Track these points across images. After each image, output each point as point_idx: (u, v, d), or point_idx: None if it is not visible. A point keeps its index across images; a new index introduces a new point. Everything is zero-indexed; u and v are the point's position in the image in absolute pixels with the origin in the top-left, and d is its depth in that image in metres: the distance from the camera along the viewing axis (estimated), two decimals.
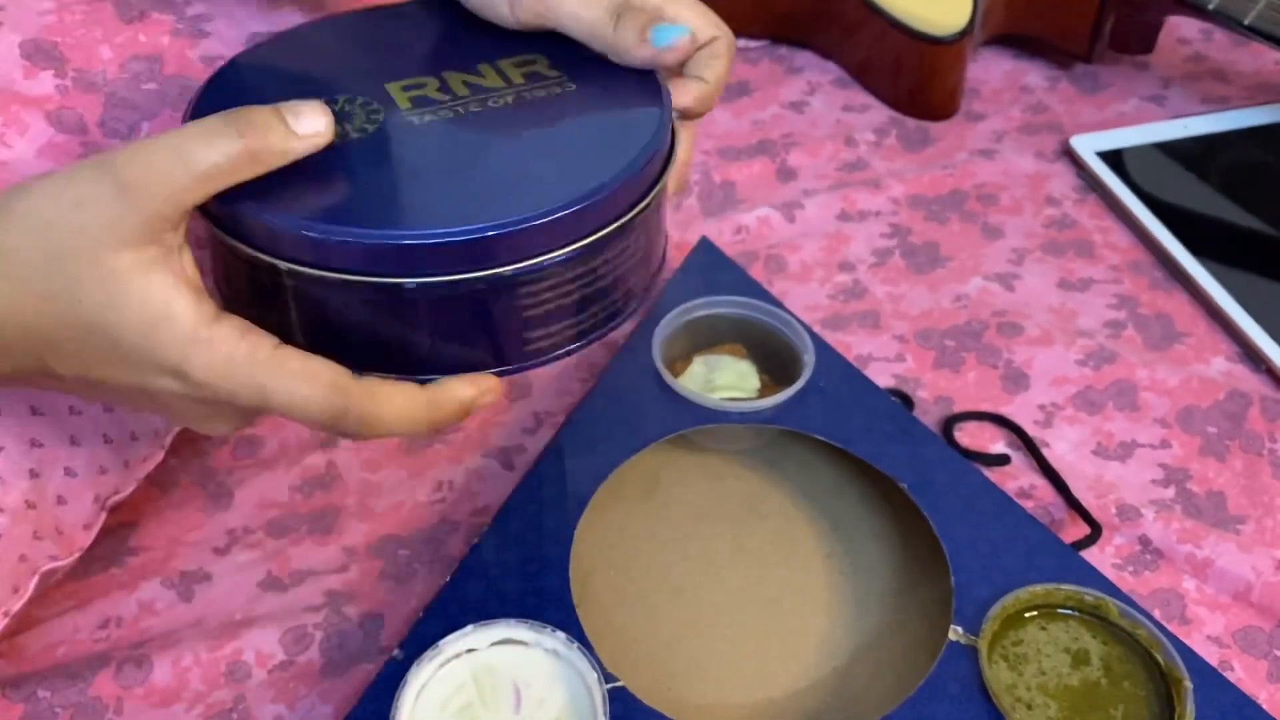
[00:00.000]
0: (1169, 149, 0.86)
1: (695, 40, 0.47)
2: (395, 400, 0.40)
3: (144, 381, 0.38)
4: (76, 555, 0.56)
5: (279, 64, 0.48)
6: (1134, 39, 0.94)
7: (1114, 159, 0.85)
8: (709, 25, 0.48)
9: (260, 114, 0.38)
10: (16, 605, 0.53)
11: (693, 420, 0.60)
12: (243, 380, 0.38)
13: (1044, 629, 0.53)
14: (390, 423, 0.40)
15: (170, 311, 0.37)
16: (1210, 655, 0.57)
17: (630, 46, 0.46)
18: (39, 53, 0.54)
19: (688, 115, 0.49)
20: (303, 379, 0.39)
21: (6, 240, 0.36)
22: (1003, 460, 0.66)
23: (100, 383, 0.39)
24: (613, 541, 0.61)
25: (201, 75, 0.55)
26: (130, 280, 0.36)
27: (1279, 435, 0.67)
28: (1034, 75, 0.97)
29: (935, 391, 0.70)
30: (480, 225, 0.38)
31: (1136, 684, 0.51)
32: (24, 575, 0.53)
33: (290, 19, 0.60)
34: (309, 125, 0.39)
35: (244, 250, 0.40)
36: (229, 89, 0.45)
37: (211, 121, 0.37)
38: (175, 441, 0.66)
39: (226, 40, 0.58)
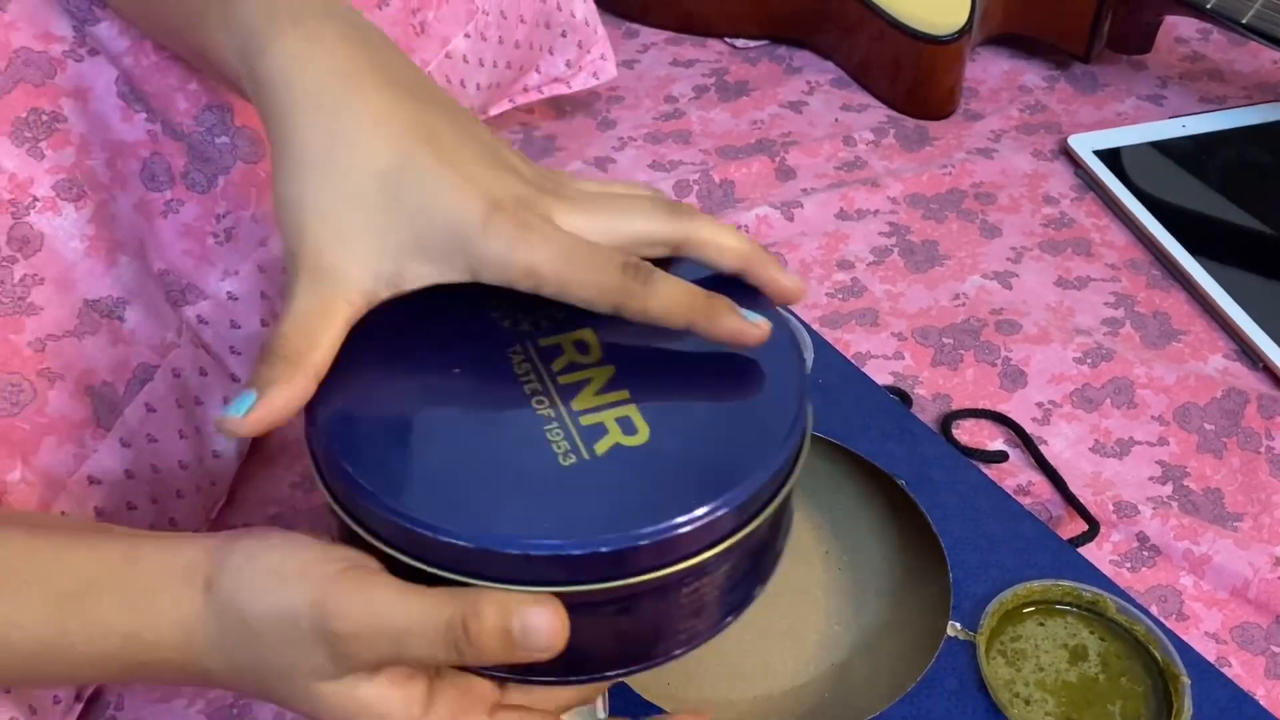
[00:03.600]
0: (1166, 148, 0.86)
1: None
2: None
3: None
4: None
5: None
6: (1132, 38, 0.94)
7: (1112, 158, 0.85)
8: (739, 247, 0.43)
9: (490, 616, 0.34)
10: None
11: None
12: None
13: (1042, 625, 0.53)
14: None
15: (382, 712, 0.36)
16: (1208, 651, 0.57)
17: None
18: (132, 93, 0.53)
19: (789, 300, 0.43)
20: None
21: (225, 640, 0.37)
22: (1000, 457, 0.66)
23: None
24: None
25: None
26: (337, 697, 0.36)
27: (1276, 432, 0.68)
28: (1032, 75, 0.97)
29: (933, 389, 0.70)
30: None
31: (1134, 680, 0.52)
32: None
33: None
34: (534, 643, 0.34)
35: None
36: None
37: (429, 603, 0.34)
38: None
39: None
